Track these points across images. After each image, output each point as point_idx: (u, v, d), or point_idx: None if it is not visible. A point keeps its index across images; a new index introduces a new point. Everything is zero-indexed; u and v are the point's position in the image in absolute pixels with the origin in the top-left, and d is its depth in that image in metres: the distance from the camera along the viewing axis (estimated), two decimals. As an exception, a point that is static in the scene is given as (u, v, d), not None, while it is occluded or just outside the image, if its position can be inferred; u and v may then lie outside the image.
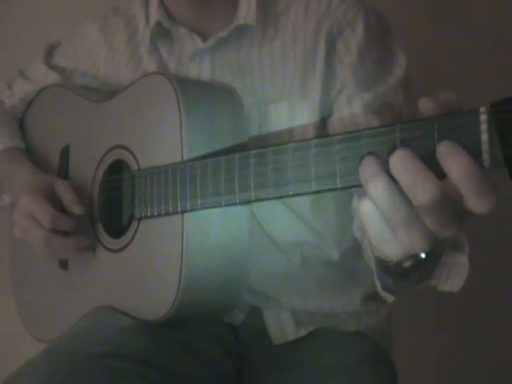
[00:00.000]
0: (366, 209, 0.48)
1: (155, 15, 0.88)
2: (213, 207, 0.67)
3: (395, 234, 0.48)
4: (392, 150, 0.48)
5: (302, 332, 0.88)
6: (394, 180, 0.47)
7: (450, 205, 0.46)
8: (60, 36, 1.03)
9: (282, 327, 0.89)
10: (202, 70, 0.87)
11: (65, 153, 0.91)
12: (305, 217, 0.87)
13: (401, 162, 0.46)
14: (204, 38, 0.87)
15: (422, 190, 0.45)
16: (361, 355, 0.88)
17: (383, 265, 0.61)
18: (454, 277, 0.63)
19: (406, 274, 0.64)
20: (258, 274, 0.86)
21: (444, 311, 1.32)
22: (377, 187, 0.47)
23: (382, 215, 0.47)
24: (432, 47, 1.30)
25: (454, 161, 0.45)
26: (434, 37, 1.30)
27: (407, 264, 0.56)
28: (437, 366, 1.38)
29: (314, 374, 0.86)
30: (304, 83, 0.82)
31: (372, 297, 0.93)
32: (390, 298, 0.69)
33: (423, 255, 0.56)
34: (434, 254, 0.63)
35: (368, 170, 0.48)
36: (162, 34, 0.89)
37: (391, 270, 0.62)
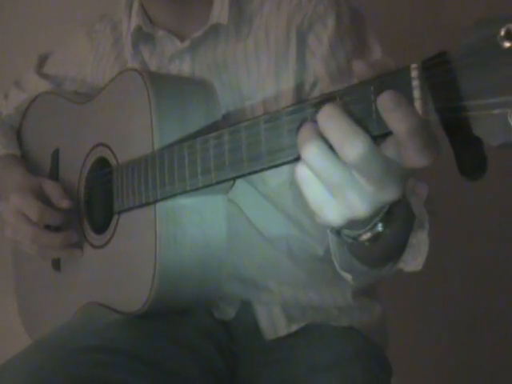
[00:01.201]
0: (301, 174, 0.48)
1: (135, 19, 0.90)
2: (181, 193, 0.68)
3: (333, 198, 0.47)
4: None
5: (294, 327, 0.87)
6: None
7: (385, 164, 0.45)
8: (55, 45, 1.07)
9: (274, 322, 0.88)
10: (182, 70, 0.88)
11: (55, 156, 0.94)
12: (288, 211, 0.86)
13: (327, 118, 0.46)
14: (182, 40, 0.88)
15: (350, 146, 0.44)
16: (354, 351, 0.86)
17: (344, 244, 0.60)
18: (417, 255, 0.62)
19: (376, 259, 0.62)
20: (247, 263, 0.87)
21: (442, 308, 1.30)
22: (309, 150, 0.46)
23: (318, 179, 0.47)
24: (411, 41, 1.29)
25: (401, 113, 0.43)
26: (413, 31, 1.29)
27: (365, 238, 0.55)
28: (434, 363, 1.35)
29: (306, 369, 0.84)
30: (278, 79, 0.83)
31: (364, 292, 0.91)
32: (348, 277, 0.67)
33: (380, 228, 0.55)
34: (401, 236, 0.62)
35: (302, 135, 0.47)
36: (143, 37, 0.91)
37: (355, 251, 0.61)
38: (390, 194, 0.46)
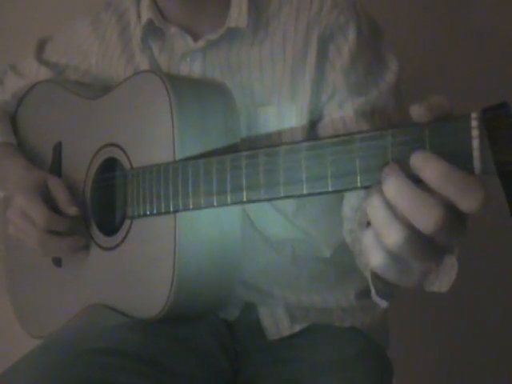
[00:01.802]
0: (369, 240, 0.48)
1: (146, 13, 0.87)
2: (205, 207, 0.67)
3: (411, 269, 0.49)
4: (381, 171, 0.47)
5: (297, 328, 0.88)
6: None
7: (453, 215, 0.45)
8: (53, 31, 1.03)
9: (277, 322, 0.89)
10: (192, 69, 0.86)
11: (57, 149, 0.91)
12: (292, 218, 0.87)
13: (397, 195, 0.46)
14: (195, 38, 0.86)
15: (428, 219, 0.44)
16: (356, 351, 0.88)
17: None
18: (442, 277, 0.63)
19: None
20: (251, 268, 0.87)
21: (442, 308, 1.32)
22: (393, 239, 0.46)
23: (399, 258, 0.48)
24: (426, 50, 1.29)
25: (430, 168, 0.45)
26: (428, 39, 1.29)
27: None
28: (435, 363, 1.39)
29: (309, 369, 0.86)
30: (293, 87, 0.82)
31: (366, 293, 0.93)
32: (383, 303, 0.68)
33: None
34: None
35: (379, 217, 0.47)
36: (153, 31, 0.88)
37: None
38: (456, 240, 0.47)
